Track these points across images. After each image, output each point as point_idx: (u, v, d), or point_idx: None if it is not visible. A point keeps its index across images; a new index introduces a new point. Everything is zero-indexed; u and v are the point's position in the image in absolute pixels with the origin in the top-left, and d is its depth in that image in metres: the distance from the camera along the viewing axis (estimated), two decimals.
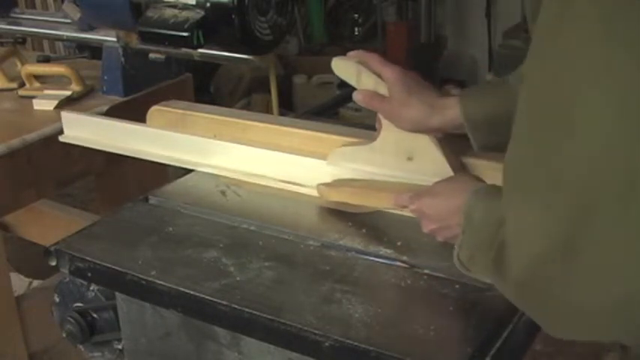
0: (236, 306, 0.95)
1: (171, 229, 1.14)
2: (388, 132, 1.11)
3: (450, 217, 0.93)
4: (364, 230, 1.10)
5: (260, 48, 1.48)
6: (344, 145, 1.18)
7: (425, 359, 0.85)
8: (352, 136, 1.20)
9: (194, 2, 1.42)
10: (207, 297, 0.97)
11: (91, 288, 1.17)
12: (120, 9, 1.57)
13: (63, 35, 1.94)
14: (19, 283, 2.31)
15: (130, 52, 1.75)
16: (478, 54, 3.81)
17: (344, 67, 1.11)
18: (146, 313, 1.09)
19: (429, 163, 1.09)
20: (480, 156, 1.09)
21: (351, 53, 1.12)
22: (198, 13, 1.41)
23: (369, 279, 1.00)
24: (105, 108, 1.72)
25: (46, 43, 3.85)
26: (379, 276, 1.00)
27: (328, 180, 1.17)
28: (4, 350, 1.71)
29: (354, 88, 1.10)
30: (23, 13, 2.13)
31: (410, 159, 1.10)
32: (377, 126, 1.13)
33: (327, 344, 0.88)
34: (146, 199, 1.25)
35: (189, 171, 1.32)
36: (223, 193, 1.25)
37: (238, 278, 1.00)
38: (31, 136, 1.60)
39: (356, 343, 0.86)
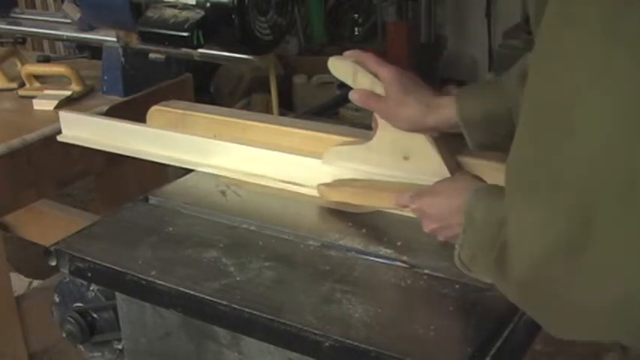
0: (236, 306, 0.95)
1: (171, 229, 1.14)
2: (384, 131, 1.11)
3: (451, 217, 0.93)
4: (364, 230, 1.10)
5: (260, 48, 1.48)
6: (340, 145, 1.18)
7: (425, 359, 0.85)
8: (352, 136, 1.20)
9: (194, 2, 1.42)
10: (207, 297, 0.97)
11: (91, 288, 1.17)
12: (120, 9, 1.57)
13: (63, 35, 1.94)
14: (19, 283, 2.31)
15: (130, 52, 1.75)
16: (478, 54, 3.80)
17: (340, 67, 1.12)
18: (146, 313, 1.09)
19: (425, 163, 1.09)
20: (476, 155, 1.09)
21: (347, 53, 1.13)
22: (198, 13, 1.41)
23: (369, 279, 1.00)
24: (105, 108, 1.72)
25: (46, 43, 3.85)
26: (379, 276, 1.00)
27: (328, 180, 1.17)
28: (4, 350, 1.71)
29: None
30: (23, 13, 2.13)
31: (406, 158, 1.11)
32: (373, 125, 1.13)
33: (327, 344, 0.88)
34: (146, 199, 1.25)
35: (189, 171, 1.32)
36: (223, 193, 1.25)
37: (238, 278, 1.00)
38: (31, 136, 1.60)
39: (356, 343, 0.86)
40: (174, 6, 1.45)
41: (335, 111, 3.18)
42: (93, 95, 1.82)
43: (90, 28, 1.83)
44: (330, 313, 0.92)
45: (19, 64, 1.93)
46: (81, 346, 1.20)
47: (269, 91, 1.69)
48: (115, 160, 1.43)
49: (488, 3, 3.68)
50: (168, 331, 1.09)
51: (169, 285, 1.00)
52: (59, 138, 1.43)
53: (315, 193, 1.17)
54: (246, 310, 0.94)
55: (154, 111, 1.39)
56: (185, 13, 1.42)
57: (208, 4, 1.40)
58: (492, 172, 1.03)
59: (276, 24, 1.48)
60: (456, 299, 0.94)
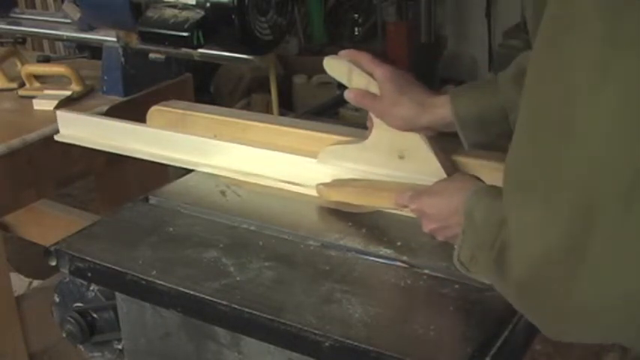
0: (236, 306, 0.95)
1: (171, 229, 1.14)
2: (379, 130, 1.11)
3: (450, 217, 0.93)
4: (364, 230, 1.10)
5: (260, 48, 1.48)
6: (335, 144, 1.18)
7: (425, 359, 0.85)
8: (352, 136, 1.20)
9: (194, 2, 1.42)
10: (207, 297, 0.97)
11: (91, 288, 1.17)
12: (120, 9, 1.57)
13: (63, 35, 1.94)
14: (19, 283, 2.31)
15: (130, 52, 1.75)
16: (478, 54, 3.80)
17: (336, 67, 1.12)
18: (146, 313, 1.09)
19: (420, 162, 1.09)
20: (471, 154, 1.09)
21: (342, 52, 1.13)
22: (198, 13, 1.41)
23: (369, 279, 1.00)
24: (105, 108, 1.72)
25: (46, 43, 3.85)
26: (379, 276, 1.00)
27: (328, 180, 1.17)
28: (4, 350, 1.71)
29: None
30: (23, 13, 2.13)
31: (401, 157, 1.11)
32: (368, 124, 1.14)
33: (327, 344, 0.88)
34: (146, 199, 1.25)
35: (189, 171, 1.32)
36: (223, 193, 1.25)
37: (238, 278, 1.00)
38: (31, 136, 1.60)
39: (356, 343, 0.86)
40: (174, 6, 1.45)
41: (335, 111, 3.18)
42: (93, 95, 1.82)
43: (90, 28, 1.83)
44: (330, 313, 0.92)
45: (19, 64, 1.93)
46: (81, 346, 1.20)
47: (269, 91, 1.69)
48: (115, 160, 1.43)
49: (488, 3, 3.67)
50: (168, 331, 1.09)
51: (169, 285, 1.00)
52: (56, 137, 1.43)
53: (315, 193, 1.18)
54: (246, 310, 0.94)
55: (154, 111, 1.39)
56: (185, 13, 1.42)
57: (208, 4, 1.40)
58: (492, 172, 1.04)
59: (276, 24, 1.48)
60: (455, 299, 0.94)
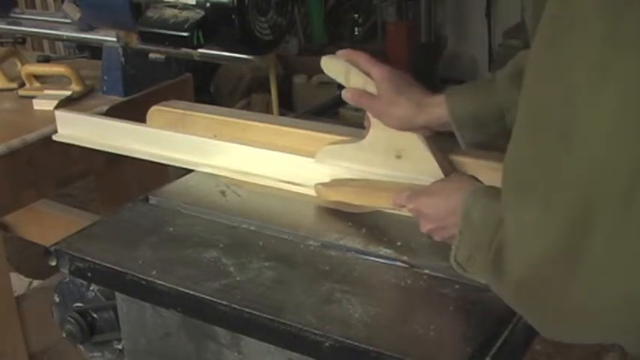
0: (236, 306, 0.95)
1: (171, 229, 1.14)
2: (376, 130, 1.12)
3: (447, 217, 0.93)
4: (364, 230, 1.10)
5: (260, 48, 1.48)
6: (332, 143, 1.18)
7: (425, 359, 0.85)
8: (351, 136, 1.20)
9: (194, 2, 1.42)
10: (207, 297, 0.97)
11: (91, 288, 1.17)
12: (120, 9, 1.57)
13: (63, 35, 1.94)
14: (19, 283, 2.31)
15: (130, 52, 1.75)
16: (478, 54, 3.80)
17: (333, 66, 1.12)
18: (146, 313, 1.09)
19: (417, 161, 1.10)
20: (469, 154, 1.10)
21: (340, 52, 1.14)
22: (198, 13, 1.41)
23: (369, 279, 1.00)
24: (105, 108, 1.72)
25: (46, 43, 3.85)
26: (379, 276, 1.00)
27: (327, 180, 1.17)
28: (4, 350, 1.71)
29: None
30: (23, 13, 2.13)
31: (398, 156, 1.11)
32: (365, 124, 1.14)
33: (327, 344, 0.88)
34: (146, 199, 1.25)
35: (189, 171, 1.32)
36: (223, 193, 1.25)
37: (238, 278, 1.00)
38: (31, 136, 1.60)
39: (356, 343, 0.86)
40: (174, 6, 1.45)
41: (335, 111, 3.18)
42: (93, 95, 1.82)
43: (90, 28, 1.83)
44: (330, 313, 0.92)
45: (19, 64, 1.93)
46: (81, 346, 1.20)
47: (269, 91, 1.69)
48: (115, 160, 1.43)
49: (488, 3, 3.67)
50: (168, 331, 1.09)
51: (169, 285, 1.00)
52: (54, 137, 1.44)
53: (314, 193, 1.18)
54: (246, 310, 0.94)
55: (154, 111, 1.39)
56: (185, 13, 1.42)
57: (208, 4, 1.40)
58: (490, 172, 1.04)
59: (276, 24, 1.48)
60: (455, 299, 0.94)
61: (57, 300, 1.20)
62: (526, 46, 0.77)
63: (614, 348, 0.85)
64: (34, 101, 1.76)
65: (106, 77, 1.80)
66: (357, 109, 1.16)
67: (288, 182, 1.22)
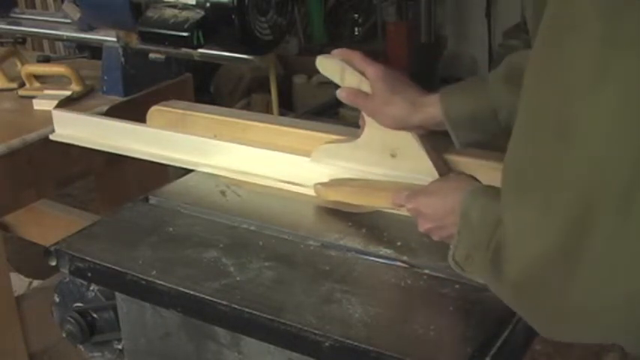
0: (236, 306, 0.95)
1: (171, 229, 1.14)
2: (371, 129, 1.12)
3: (445, 217, 0.93)
4: (364, 230, 1.10)
5: (260, 48, 1.48)
6: (328, 142, 1.18)
7: (425, 359, 0.85)
8: (351, 135, 1.20)
9: (194, 2, 1.42)
10: (207, 297, 0.97)
11: (91, 288, 1.17)
12: (120, 9, 1.56)
13: (63, 35, 1.94)
14: (19, 283, 2.31)
15: (130, 52, 1.75)
16: (478, 54, 3.80)
17: (328, 65, 1.13)
18: (146, 313, 1.09)
19: (412, 160, 1.10)
20: (468, 154, 1.10)
21: (335, 51, 1.14)
22: (198, 13, 1.41)
23: (369, 279, 1.00)
24: (105, 108, 1.72)
25: (46, 43, 3.85)
26: (379, 276, 1.00)
27: (327, 180, 1.17)
28: (4, 350, 1.71)
29: None
30: (23, 13, 2.13)
31: (393, 156, 1.12)
32: (360, 123, 1.14)
33: (327, 344, 0.88)
34: (146, 199, 1.25)
35: (189, 171, 1.32)
36: (223, 193, 1.25)
37: (238, 278, 1.00)
38: (31, 136, 1.60)
39: (356, 343, 0.86)
40: (174, 6, 1.45)
41: (335, 111, 3.18)
42: (93, 95, 1.82)
43: (90, 28, 1.83)
44: (330, 313, 0.92)
45: (19, 64, 1.93)
46: (81, 346, 1.20)
47: (269, 91, 1.69)
48: (114, 160, 1.43)
49: (488, 3, 3.67)
50: (168, 331, 1.09)
51: (169, 285, 1.00)
52: (52, 137, 1.44)
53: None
54: (246, 310, 0.94)
55: (154, 111, 1.39)
56: (185, 13, 1.42)
57: (208, 4, 1.40)
58: (489, 171, 1.04)
59: (276, 24, 1.48)
60: (455, 299, 0.94)
61: (57, 300, 1.20)
62: (526, 46, 0.77)
63: (614, 348, 0.84)
64: (34, 101, 1.76)
65: (106, 77, 1.80)
66: (356, 110, 1.17)
67: (288, 182, 1.22)
